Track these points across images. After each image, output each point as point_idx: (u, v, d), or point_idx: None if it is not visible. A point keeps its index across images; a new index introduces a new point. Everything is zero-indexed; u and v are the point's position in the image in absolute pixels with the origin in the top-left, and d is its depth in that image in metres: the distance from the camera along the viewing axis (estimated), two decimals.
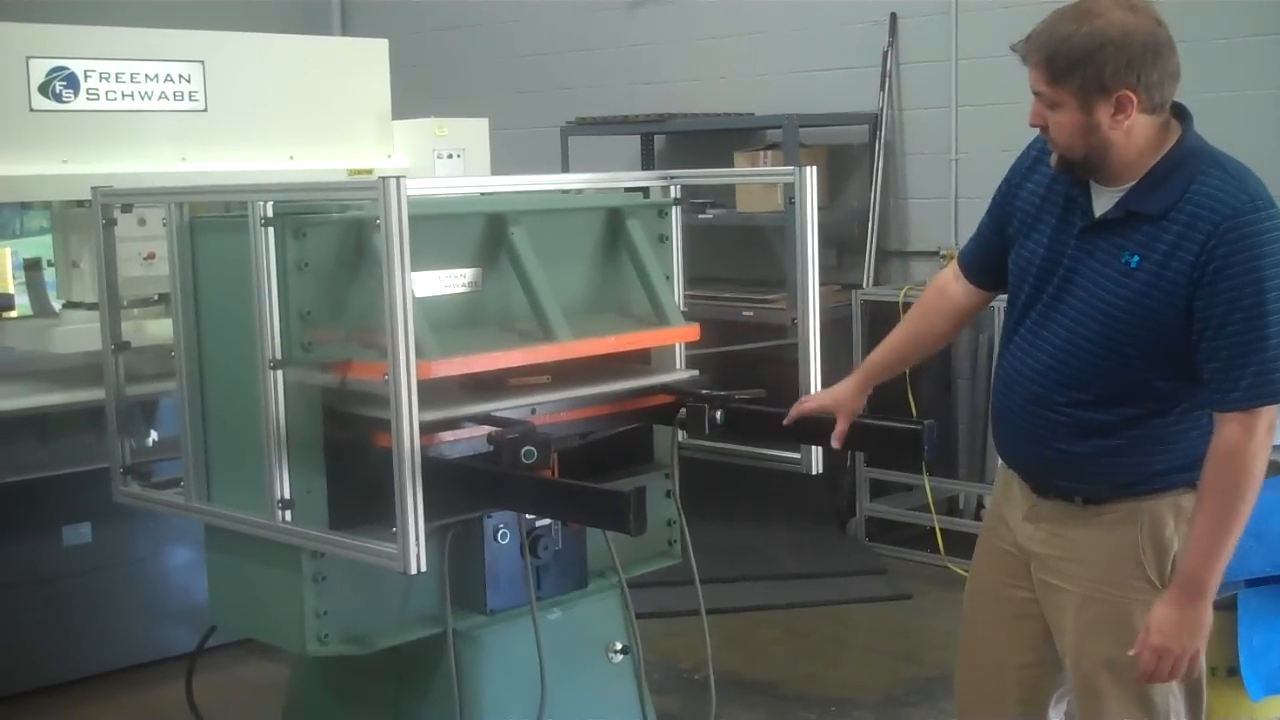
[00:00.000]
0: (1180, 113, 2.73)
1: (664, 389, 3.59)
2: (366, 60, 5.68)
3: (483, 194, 3.68)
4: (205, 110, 5.21)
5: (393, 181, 2.80)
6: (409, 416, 2.86)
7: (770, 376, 3.90)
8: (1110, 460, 2.79)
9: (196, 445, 3.42)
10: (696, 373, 3.71)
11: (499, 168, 6.03)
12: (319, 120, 5.50)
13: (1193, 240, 2.61)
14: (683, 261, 3.85)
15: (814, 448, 3.66)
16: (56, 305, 5.09)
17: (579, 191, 3.88)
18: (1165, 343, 2.68)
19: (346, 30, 9.76)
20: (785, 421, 3.39)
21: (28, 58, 4.79)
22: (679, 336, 3.65)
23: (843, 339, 6.32)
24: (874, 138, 6.82)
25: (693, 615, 3.83)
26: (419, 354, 3.07)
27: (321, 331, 3.17)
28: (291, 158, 5.42)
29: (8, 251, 6.37)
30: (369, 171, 5.60)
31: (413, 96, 8.88)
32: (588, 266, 3.65)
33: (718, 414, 3.47)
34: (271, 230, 3.12)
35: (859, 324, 6.31)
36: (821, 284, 3.72)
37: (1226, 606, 3.40)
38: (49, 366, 4.96)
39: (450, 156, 5.66)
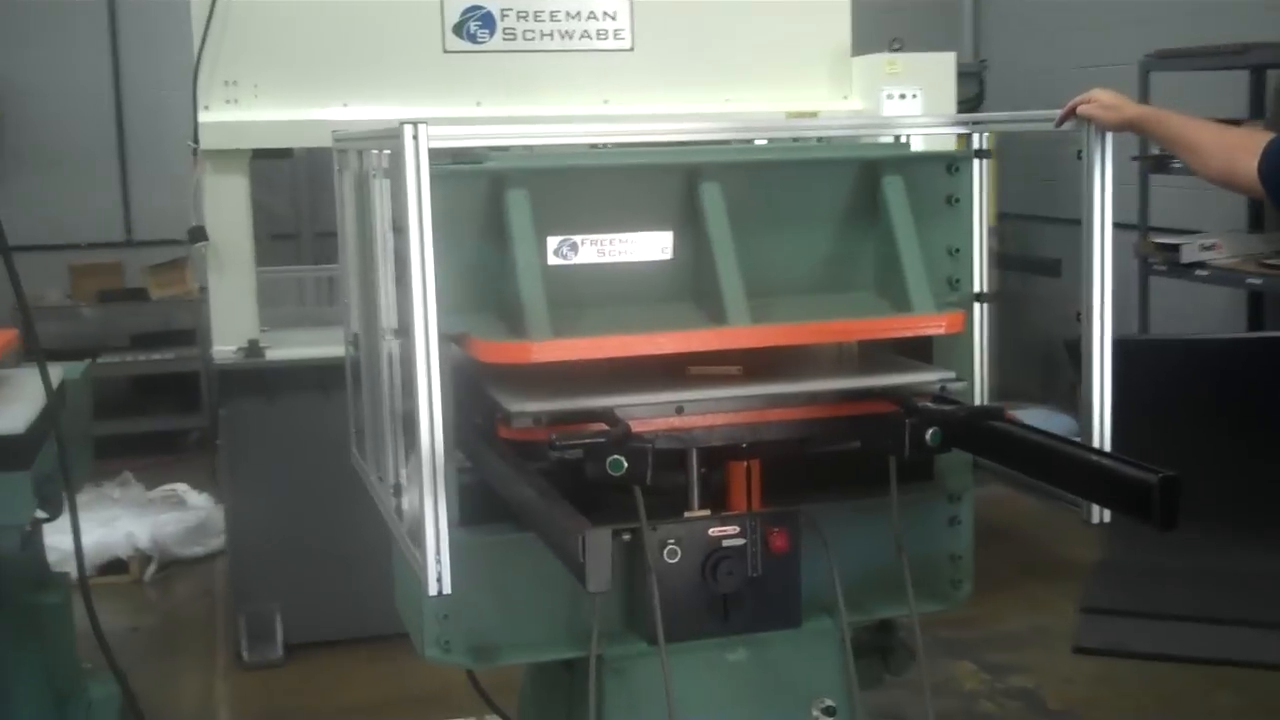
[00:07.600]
0: None
1: (885, 392, 2.81)
2: None
3: (675, 144, 3.06)
4: (631, 50, 4.93)
5: (409, 129, 2.34)
6: (430, 407, 2.41)
7: None
8: None
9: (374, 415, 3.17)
10: (952, 374, 2.88)
11: None
12: (762, 59, 5.04)
13: None
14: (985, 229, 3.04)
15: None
16: None
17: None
18: None
19: None
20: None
21: None
22: (911, 327, 2.84)
23: None
24: None
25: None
26: (527, 334, 2.63)
27: (450, 300, 2.77)
28: (727, 100, 5.00)
29: None
30: (814, 114, 5.05)
31: None
32: (829, 234, 2.96)
33: (928, 433, 2.67)
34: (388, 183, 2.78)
35: None
36: None
37: None
38: None
39: (903, 97, 4.96)
